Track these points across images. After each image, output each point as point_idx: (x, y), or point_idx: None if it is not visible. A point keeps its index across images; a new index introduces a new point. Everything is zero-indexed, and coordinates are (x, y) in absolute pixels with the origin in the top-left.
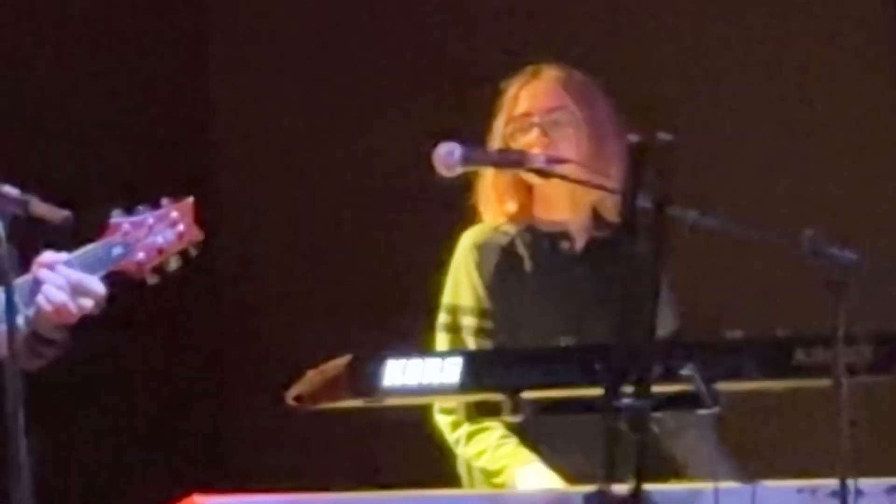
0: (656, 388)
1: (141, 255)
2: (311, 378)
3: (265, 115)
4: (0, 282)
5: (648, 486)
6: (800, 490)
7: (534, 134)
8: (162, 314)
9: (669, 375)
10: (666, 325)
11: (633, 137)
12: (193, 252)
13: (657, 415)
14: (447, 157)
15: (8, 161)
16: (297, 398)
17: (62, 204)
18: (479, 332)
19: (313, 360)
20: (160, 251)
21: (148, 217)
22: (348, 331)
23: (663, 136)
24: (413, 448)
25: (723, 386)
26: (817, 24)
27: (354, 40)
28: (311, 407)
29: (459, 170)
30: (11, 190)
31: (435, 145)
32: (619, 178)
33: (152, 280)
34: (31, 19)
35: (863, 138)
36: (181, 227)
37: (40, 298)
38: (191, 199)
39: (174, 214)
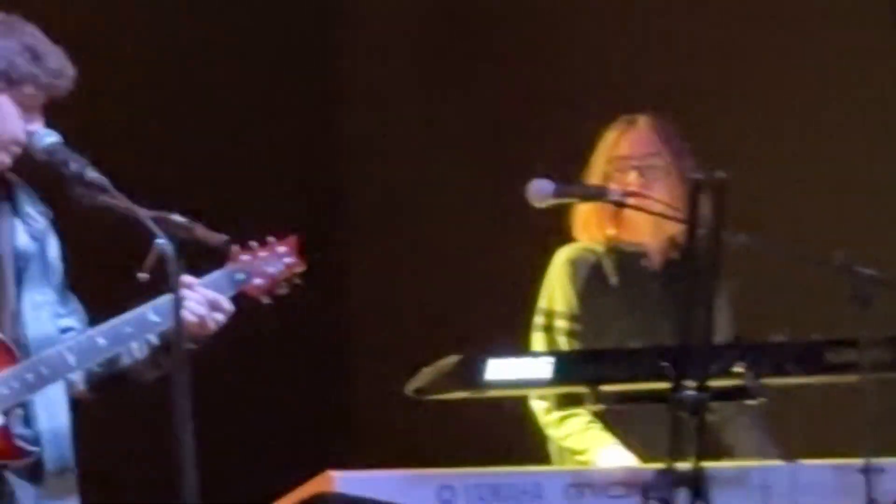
0: (713, 383)
1: (258, 281)
2: (427, 373)
3: (392, 139)
4: (172, 293)
5: (706, 465)
6: (833, 467)
7: (632, 175)
8: (299, 314)
9: (724, 372)
10: (724, 331)
11: (693, 175)
12: (297, 280)
13: (714, 405)
14: (540, 191)
15: (166, 189)
16: (415, 390)
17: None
18: (569, 334)
19: (429, 357)
20: (272, 279)
21: (262, 251)
22: (459, 331)
23: (719, 173)
24: (514, 430)
25: (768, 380)
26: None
27: (474, 82)
28: (427, 398)
29: (551, 202)
30: (179, 218)
31: (530, 179)
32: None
33: (266, 301)
34: (178, 56)
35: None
36: (288, 259)
37: (185, 312)
38: (295, 237)
39: (282, 249)
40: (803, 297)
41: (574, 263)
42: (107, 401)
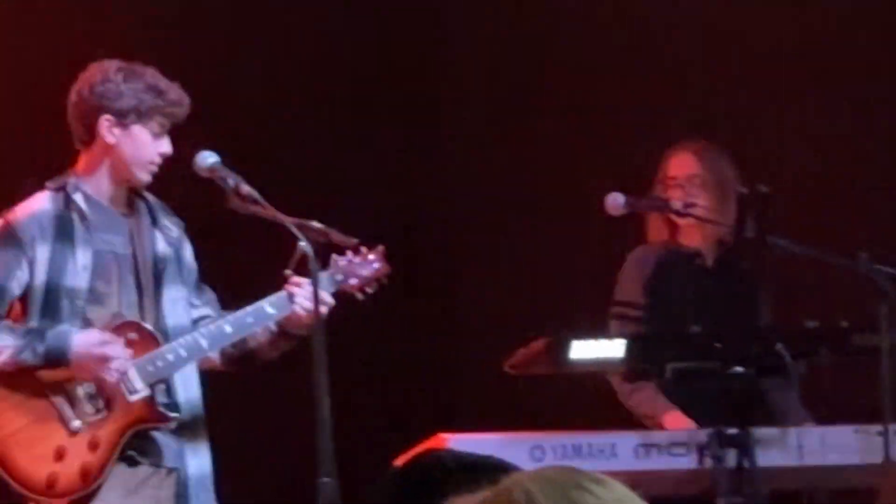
0: (757, 361)
1: (352, 282)
2: (521, 353)
3: (493, 151)
4: (313, 286)
5: (751, 428)
6: (855, 430)
7: (678, 191)
8: (418, 301)
9: (767, 351)
10: (766, 317)
11: (740, 189)
12: (384, 281)
13: (758, 379)
14: (614, 202)
15: (298, 199)
16: (511, 366)
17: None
18: (638, 321)
19: (523, 338)
20: (364, 280)
21: (356, 258)
22: (548, 317)
23: (762, 187)
24: (593, 399)
25: (802, 359)
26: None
27: (560, 113)
28: (521, 373)
29: (623, 211)
30: (317, 224)
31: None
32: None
33: (360, 297)
34: (301, 84)
35: None
36: (376, 264)
37: (296, 306)
38: (382, 247)
39: (372, 256)
40: (833, 291)
41: (642, 261)
42: (238, 374)
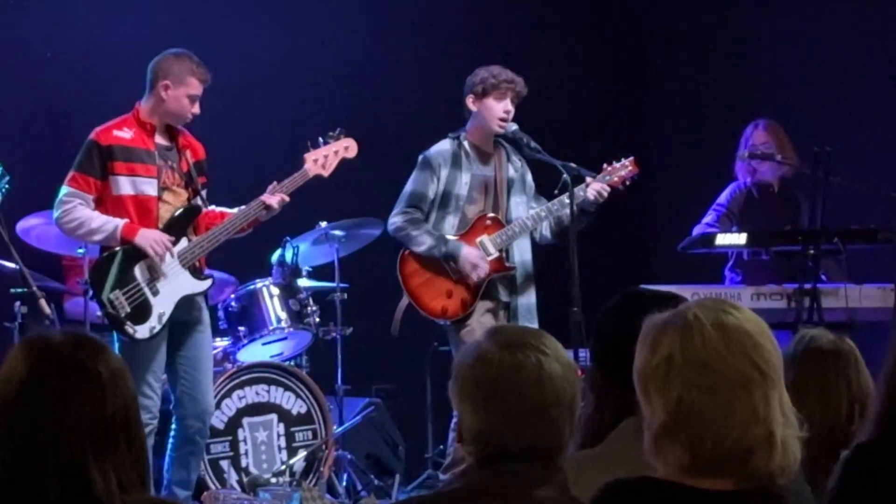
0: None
1: (616, 179)
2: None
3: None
4: (570, 199)
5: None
6: (879, 287)
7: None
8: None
9: (828, 241)
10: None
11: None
12: (635, 178)
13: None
14: (741, 157)
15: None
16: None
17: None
18: (735, 222)
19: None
20: (622, 178)
21: (618, 164)
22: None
23: (826, 147)
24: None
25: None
26: None
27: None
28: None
29: (745, 159)
30: (572, 164)
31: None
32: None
33: (621, 188)
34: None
35: None
36: (629, 167)
37: (590, 192)
38: (633, 157)
39: (626, 163)
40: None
41: (734, 186)
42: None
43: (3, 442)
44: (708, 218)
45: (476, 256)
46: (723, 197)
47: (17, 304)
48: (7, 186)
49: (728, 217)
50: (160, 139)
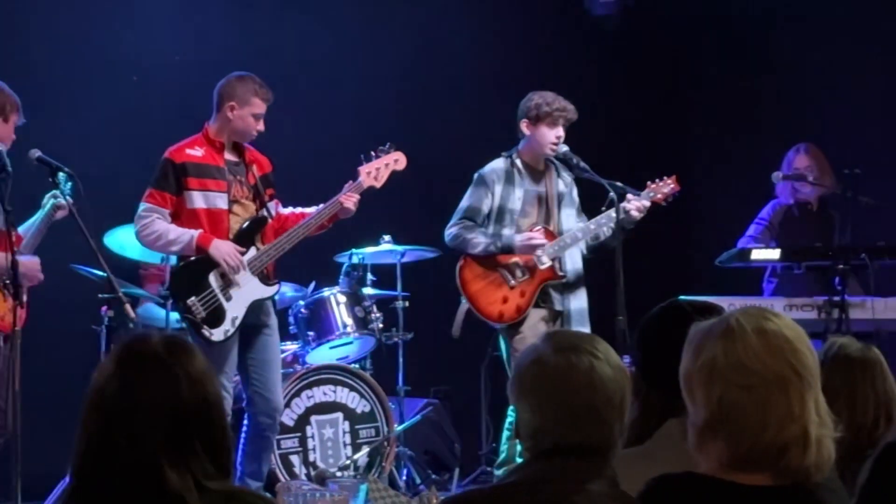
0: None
1: (659, 196)
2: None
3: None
4: (616, 214)
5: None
6: None
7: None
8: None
9: (856, 256)
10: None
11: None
12: (676, 195)
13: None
14: (776, 175)
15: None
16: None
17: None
18: (773, 236)
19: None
20: (665, 195)
21: (661, 182)
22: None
23: (857, 170)
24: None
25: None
26: None
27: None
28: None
29: (780, 180)
30: (620, 184)
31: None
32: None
33: (664, 204)
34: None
35: None
36: (671, 185)
37: (632, 212)
38: (675, 176)
39: (670, 181)
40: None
41: (774, 204)
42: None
43: (84, 433)
44: (751, 230)
45: (528, 238)
46: (765, 212)
47: (104, 308)
48: (71, 193)
49: (769, 230)
50: (229, 155)
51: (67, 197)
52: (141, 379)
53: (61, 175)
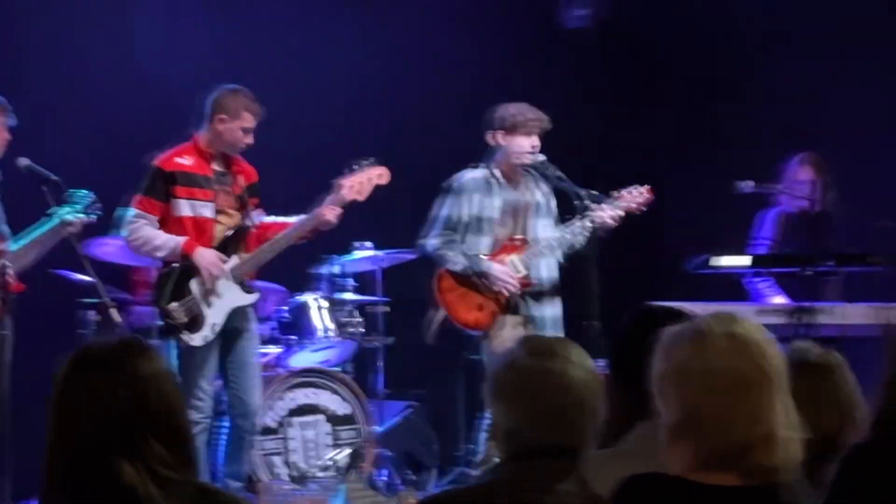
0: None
1: (633, 205)
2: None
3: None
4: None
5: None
6: (867, 305)
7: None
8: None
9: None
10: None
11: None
12: (650, 205)
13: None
14: (745, 187)
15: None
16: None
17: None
18: (770, 245)
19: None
20: (639, 204)
21: (634, 191)
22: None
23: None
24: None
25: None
26: None
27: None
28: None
29: (750, 191)
30: (593, 191)
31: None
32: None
33: (638, 213)
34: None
35: None
36: (646, 195)
37: (607, 220)
38: (649, 186)
39: (643, 191)
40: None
41: (773, 213)
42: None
43: (47, 434)
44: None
45: (505, 273)
46: (766, 229)
47: (91, 312)
48: (99, 213)
49: (777, 247)
50: (216, 166)
51: (81, 215)
52: (88, 380)
53: (80, 193)
